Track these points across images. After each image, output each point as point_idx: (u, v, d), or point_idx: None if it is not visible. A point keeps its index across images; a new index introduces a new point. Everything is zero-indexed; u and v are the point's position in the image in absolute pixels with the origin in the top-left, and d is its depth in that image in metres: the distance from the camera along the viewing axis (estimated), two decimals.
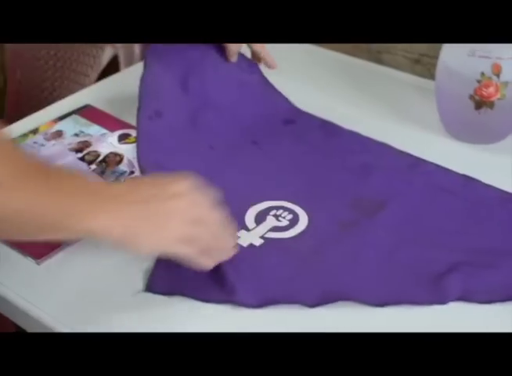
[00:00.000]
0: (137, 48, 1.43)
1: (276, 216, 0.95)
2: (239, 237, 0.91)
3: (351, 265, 0.87)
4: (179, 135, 1.08)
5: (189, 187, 0.82)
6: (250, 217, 0.95)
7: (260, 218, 0.95)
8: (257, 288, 0.84)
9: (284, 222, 0.94)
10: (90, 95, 1.23)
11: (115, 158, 1.06)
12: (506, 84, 1.04)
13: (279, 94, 1.18)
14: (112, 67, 1.39)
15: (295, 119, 1.14)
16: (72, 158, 1.06)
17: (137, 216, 0.78)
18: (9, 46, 1.29)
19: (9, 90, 1.33)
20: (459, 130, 1.11)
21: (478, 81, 1.04)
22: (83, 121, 1.14)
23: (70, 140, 1.10)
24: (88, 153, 1.07)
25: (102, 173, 1.03)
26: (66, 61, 1.34)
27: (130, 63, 1.41)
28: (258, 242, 0.91)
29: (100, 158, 1.06)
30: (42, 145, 1.09)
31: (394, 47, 1.31)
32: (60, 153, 1.07)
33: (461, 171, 1.03)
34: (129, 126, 1.13)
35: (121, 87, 1.22)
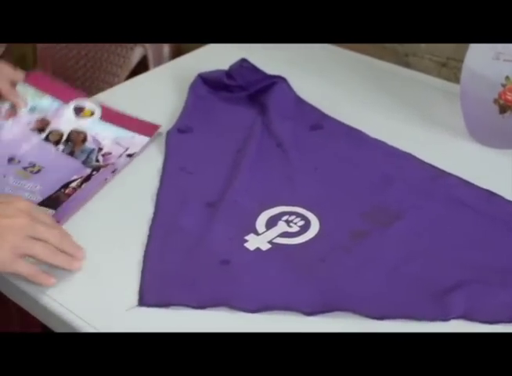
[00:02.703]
0: (166, 48, 1.44)
1: (288, 222, 0.94)
2: (247, 240, 0.91)
3: (355, 276, 0.86)
4: (208, 144, 1.10)
5: (27, 206, 0.84)
6: (261, 221, 0.94)
7: (271, 222, 0.94)
8: (257, 293, 0.83)
9: (295, 228, 0.93)
10: (118, 93, 1.24)
11: (79, 136, 1.07)
12: None
13: (306, 102, 1.18)
14: (141, 67, 1.41)
15: (323, 124, 1.14)
16: (37, 140, 1.06)
17: None
18: (40, 46, 1.32)
19: None
20: (484, 134, 1.09)
21: (503, 85, 1.02)
22: (32, 90, 1.11)
23: (27, 119, 1.09)
24: (50, 133, 1.07)
25: (71, 153, 1.04)
26: (97, 61, 1.36)
27: (159, 62, 1.43)
28: (266, 247, 0.90)
29: (64, 137, 1.06)
30: (0, 127, 1.07)
31: (421, 50, 1.29)
32: (23, 135, 1.07)
33: (484, 176, 1.01)
34: (80, 94, 1.13)
35: (150, 86, 1.23)
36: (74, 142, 1.06)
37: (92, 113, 1.10)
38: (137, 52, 1.41)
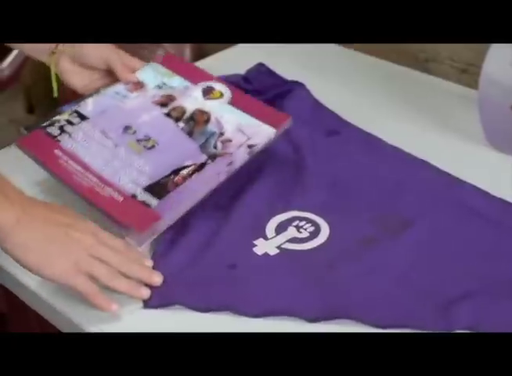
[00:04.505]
0: (187, 52, 1.45)
1: (298, 227, 0.94)
2: (256, 245, 0.91)
3: (362, 284, 0.85)
4: None
5: (95, 228, 0.84)
6: (271, 226, 0.94)
7: (281, 227, 0.94)
8: (261, 299, 0.83)
9: (304, 234, 0.93)
10: None
11: (202, 116, 1.01)
12: None
13: (325, 108, 1.18)
14: None
15: (340, 130, 1.13)
16: (157, 113, 1.02)
17: (46, 236, 0.80)
18: None
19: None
20: (501, 141, 1.08)
21: None
22: (163, 70, 1.08)
23: (152, 92, 1.05)
24: (173, 109, 1.03)
25: (190, 133, 0.99)
26: None
27: None
28: (274, 252, 0.90)
29: (187, 115, 1.02)
30: (125, 96, 1.05)
31: (441, 56, 1.28)
32: (144, 106, 1.03)
33: (500, 184, 1.00)
34: (211, 77, 1.08)
35: None
36: (196, 121, 1.00)
37: (221, 95, 1.04)
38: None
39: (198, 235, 0.93)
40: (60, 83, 1.08)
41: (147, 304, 0.84)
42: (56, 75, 1.07)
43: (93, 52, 1.05)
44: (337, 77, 1.27)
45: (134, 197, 0.91)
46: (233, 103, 1.03)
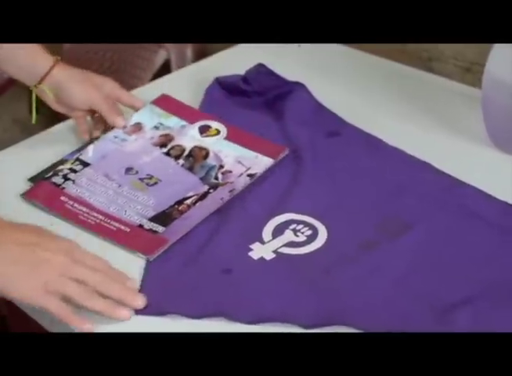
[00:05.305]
0: (189, 51, 1.44)
1: (295, 231, 0.93)
2: (252, 249, 0.90)
3: (360, 289, 0.84)
4: None
5: (70, 246, 0.81)
6: (268, 229, 0.93)
7: (278, 231, 0.93)
8: (255, 305, 0.82)
9: (301, 238, 0.92)
10: (141, 95, 1.23)
11: (201, 152, 1.05)
12: None
13: (326, 109, 1.16)
14: (164, 71, 1.41)
15: (341, 131, 1.12)
16: (157, 154, 1.05)
17: (12, 257, 0.77)
18: (65, 49, 1.32)
19: None
20: (504, 141, 1.06)
21: None
22: (160, 111, 1.11)
23: (150, 134, 1.08)
24: (172, 148, 1.06)
25: (191, 168, 1.02)
26: (121, 64, 1.36)
27: (182, 66, 1.42)
28: (270, 256, 0.89)
29: (186, 153, 1.05)
30: (124, 140, 1.07)
31: (444, 55, 1.26)
32: (144, 148, 1.06)
33: (504, 185, 0.99)
34: (207, 117, 1.11)
35: (170, 88, 1.21)
36: (195, 157, 1.04)
37: (218, 132, 1.08)
38: (160, 55, 1.41)
39: (193, 238, 0.92)
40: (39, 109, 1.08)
41: (139, 312, 0.82)
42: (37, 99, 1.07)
43: (78, 96, 1.06)
44: (339, 77, 1.25)
45: (140, 226, 0.93)
46: (230, 138, 1.07)
